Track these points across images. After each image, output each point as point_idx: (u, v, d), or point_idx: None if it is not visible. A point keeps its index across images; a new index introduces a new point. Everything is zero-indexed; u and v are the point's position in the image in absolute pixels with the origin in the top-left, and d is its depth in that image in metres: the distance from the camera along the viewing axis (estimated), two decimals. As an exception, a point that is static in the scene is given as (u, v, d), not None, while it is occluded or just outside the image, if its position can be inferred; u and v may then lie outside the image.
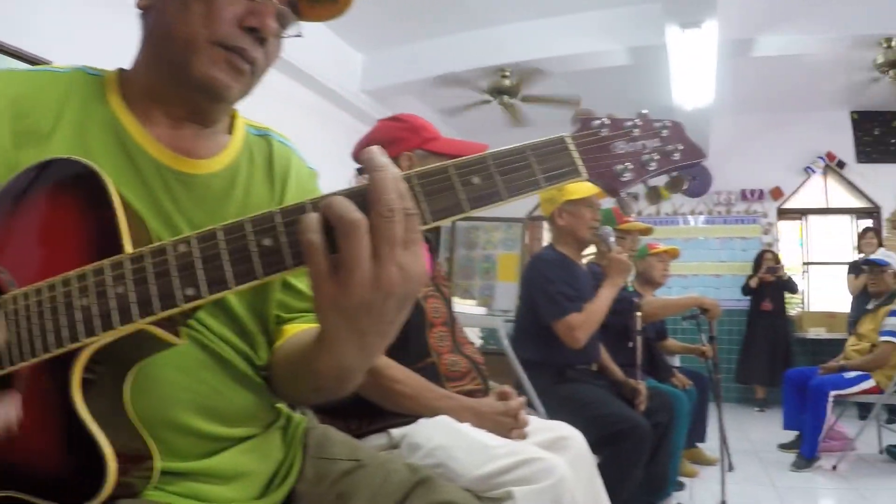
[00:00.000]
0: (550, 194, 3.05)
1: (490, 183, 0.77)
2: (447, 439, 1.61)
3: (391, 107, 7.31)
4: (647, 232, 4.01)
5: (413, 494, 1.09)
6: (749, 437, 6.02)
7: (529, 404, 2.86)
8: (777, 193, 8.87)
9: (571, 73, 6.74)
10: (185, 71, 0.94)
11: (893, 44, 5.91)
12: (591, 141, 0.84)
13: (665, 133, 0.86)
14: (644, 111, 0.89)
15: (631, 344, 3.25)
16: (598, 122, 0.84)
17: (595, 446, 2.73)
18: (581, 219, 3.04)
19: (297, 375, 0.99)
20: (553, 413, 2.76)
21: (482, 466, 1.53)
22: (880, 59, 6.04)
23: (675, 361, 4.96)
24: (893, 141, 8.68)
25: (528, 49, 6.37)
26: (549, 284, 2.88)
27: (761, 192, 8.87)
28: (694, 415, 4.38)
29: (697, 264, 8.81)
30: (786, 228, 9.06)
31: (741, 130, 8.70)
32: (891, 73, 6.08)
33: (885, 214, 8.66)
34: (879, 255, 5.33)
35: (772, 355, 7.53)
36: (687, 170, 0.90)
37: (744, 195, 8.91)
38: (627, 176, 0.84)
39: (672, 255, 4.59)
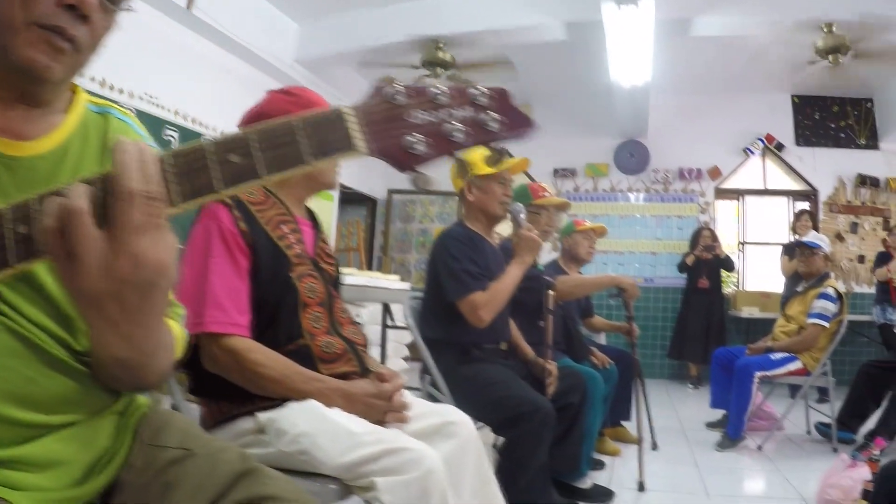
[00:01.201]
0: (460, 169, 2.98)
1: (248, 161, 0.71)
2: (312, 425, 1.56)
3: (327, 78, 7.19)
4: (564, 207, 3.93)
5: (237, 486, 1.06)
6: (679, 414, 6.07)
7: (434, 385, 2.82)
8: (715, 173, 8.95)
9: (508, 47, 6.69)
10: (5, 54, 0.92)
11: (834, 29, 5.93)
12: (378, 111, 0.76)
13: (482, 101, 0.80)
14: (469, 80, 0.81)
15: (542, 323, 3.18)
16: (391, 89, 0.76)
17: (498, 428, 2.70)
18: (491, 194, 2.96)
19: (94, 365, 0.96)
20: (457, 394, 2.73)
21: (346, 454, 1.49)
22: (820, 44, 6.05)
23: (602, 339, 4.94)
24: (833, 126, 8.85)
25: (463, 21, 6.29)
26: (453, 262, 2.79)
27: (699, 171, 8.95)
28: (618, 393, 4.38)
29: (634, 241, 8.89)
30: (723, 208, 9.14)
31: (680, 110, 8.76)
32: (830, 58, 6.09)
33: (822, 198, 8.81)
34: (811, 237, 5.35)
35: (706, 333, 7.59)
36: (512, 140, 0.85)
37: (682, 174, 8.98)
38: (419, 149, 0.76)
39: (598, 232, 4.55)
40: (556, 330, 3.40)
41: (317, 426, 1.56)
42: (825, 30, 5.96)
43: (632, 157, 8.94)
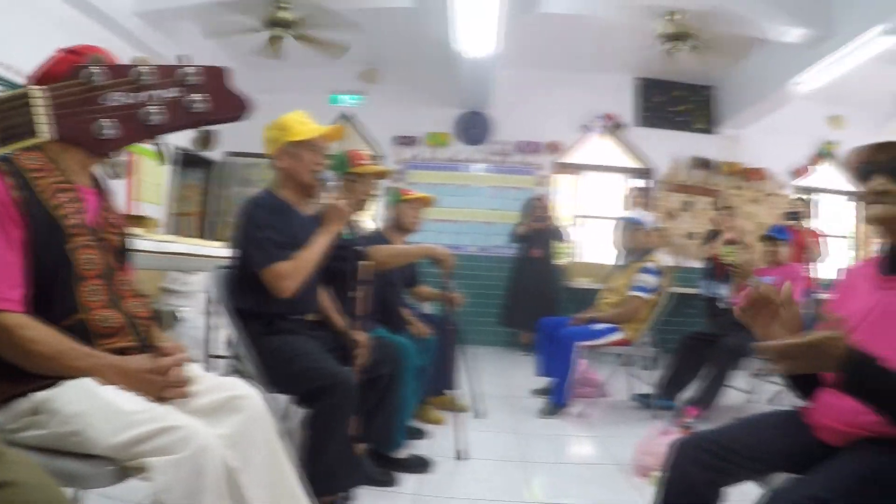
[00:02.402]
0: (273, 134, 2.88)
1: None
2: (86, 404, 1.48)
3: (166, 31, 6.85)
4: (383, 175, 3.86)
5: None
6: (509, 382, 6.20)
7: (237, 357, 2.73)
8: (555, 147, 9.12)
9: (354, 11, 6.55)
10: None
11: (679, 17, 6.12)
12: (72, 93, 0.69)
13: (192, 81, 0.73)
14: (185, 55, 0.74)
15: (351, 293, 3.12)
16: (90, 70, 0.68)
17: (302, 401, 2.63)
18: (302, 161, 2.86)
19: None
20: (262, 367, 2.65)
21: (119, 434, 1.42)
22: (664, 31, 6.23)
23: (427, 308, 4.94)
24: (672, 109, 9.27)
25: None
26: (258, 230, 2.69)
27: (540, 144, 9.09)
28: (442, 362, 4.40)
29: (471, 211, 8.95)
30: (561, 182, 9.32)
31: (525, 83, 8.86)
32: (672, 44, 6.28)
33: (658, 177, 9.22)
34: (636, 214, 5.53)
35: (538, 302, 7.67)
36: (223, 122, 0.80)
37: (522, 147, 9.08)
38: (110, 134, 0.68)
39: (424, 202, 4.52)
40: (373, 300, 3.35)
41: (90, 405, 1.48)
42: (670, 17, 6.15)
43: (474, 127, 8.98)
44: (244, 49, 7.12)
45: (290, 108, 2.94)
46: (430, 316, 4.57)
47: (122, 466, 1.46)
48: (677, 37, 6.24)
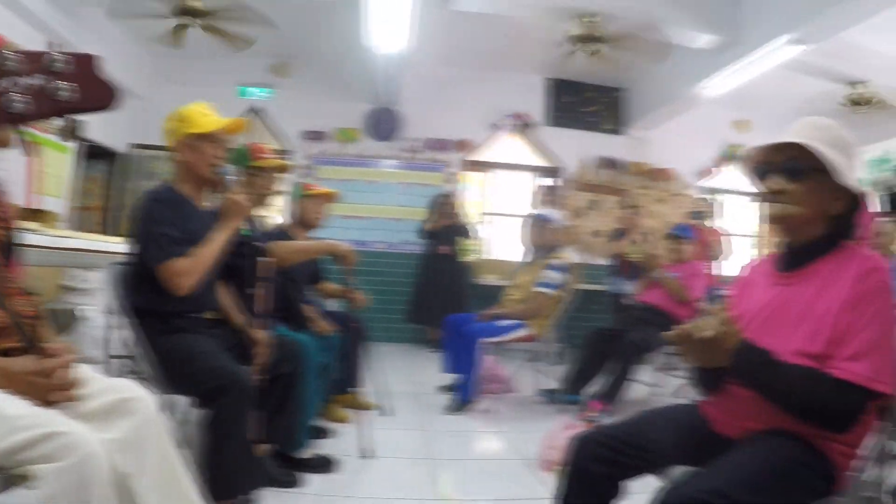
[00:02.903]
0: (173, 126, 2.79)
1: None
2: None
3: (75, 19, 6.60)
4: (283, 170, 3.80)
5: None
6: (416, 379, 6.18)
7: (133, 357, 2.64)
8: (464, 145, 9.15)
9: (268, 4, 6.44)
10: None
11: (592, 20, 6.21)
12: None
13: (59, 68, 0.69)
14: (56, 43, 0.71)
15: (251, 290, 3.07)
16: None
17: (200, 402, 2.57)
18: (202, 155, 2.77)
19: None
20: (159, 366, 2.57)
21: (1, 441, 1.36)
22: (576, 33, 6.32)
23: (331, 305, 4.89)
24: (582, 110, 9.46)
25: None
26: (154, 225, 2.59)
27: (449, 142, 9.10)
28: (347, 360, 4.37)
29: (380, 207, 8.89)
30: (470, 179, 9.36)
31: (436, 81, 8.86)
32: (582, 47, 6.37)
33: (567, 175, 9.38)
34: (544, 211, 5.60)
35: (445, 298, 7.70)
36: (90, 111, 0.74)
37: (432, 144, 9.07)
38: None
39: (328, 197, 4.46)
40: (275, 298, 3.28)
41: None
42: (583, 20, 6.23)
43: (383, 123, 8.92)
44: (153, 37, 6.91)
45: (200, 100, 2.87)
46: (333, 313, 4.50)
47: (6, 475, 1.40)
48: (588, 39, 6.33)
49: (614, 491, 1.83)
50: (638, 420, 1.99)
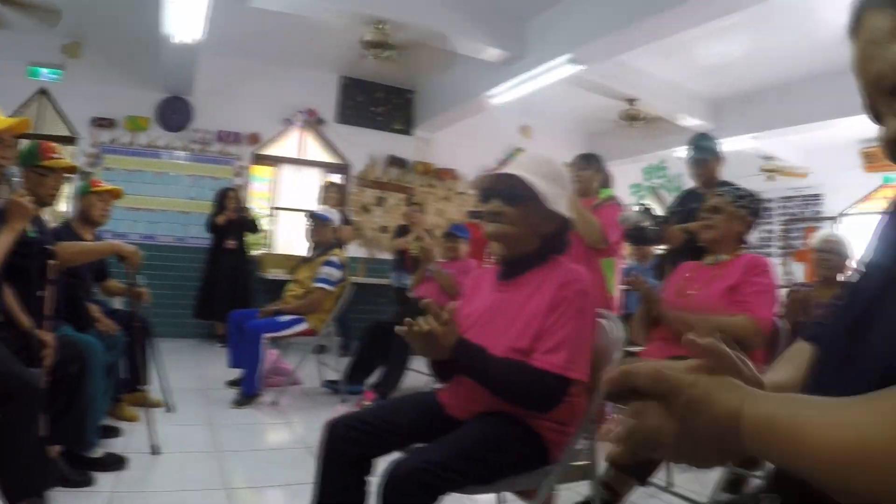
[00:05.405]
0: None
1: None
2: None
3: None
4: (72, 170, 3.75)
5: None
6: (203, 374, 6.21)
7: None
8: (255, 139, 9.12)
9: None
10: None
11: (381, 26, 6.45)
12: None
13: None
14: None
15: (38, 292, 3.04)
16: None
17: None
18: None
19: None
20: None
21: None
22: (368, 37, 6.53)
23: (116, 303, 4.85)
24: (374, 109, 9.81)
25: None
26: None
27: (240, 135, 9.02)
28: (133, 357, 4.37)
29: (168, 200, 8.61)
30: (258, 173, 9.37)
31: (230, 73, 8.81)
32: (374, 52, 6.59)
33: (355, 172, 9.69)
34: (323, 210, 5.78)
35: (231, 293, 7.69)
36: None
37: (222, 136, 8.94)
38: None
39: (114, 194, 4.44)
40: (59, 298, 3.25)
41: None
42: (377, 26, 6.46)
43: (175, 113, 8.67)
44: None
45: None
46: (117, 312, 4.48)
47: None
48: (380, 45, 6.55)
49: (368, 467, 2.06)
50: (384, 405, 2.31)
